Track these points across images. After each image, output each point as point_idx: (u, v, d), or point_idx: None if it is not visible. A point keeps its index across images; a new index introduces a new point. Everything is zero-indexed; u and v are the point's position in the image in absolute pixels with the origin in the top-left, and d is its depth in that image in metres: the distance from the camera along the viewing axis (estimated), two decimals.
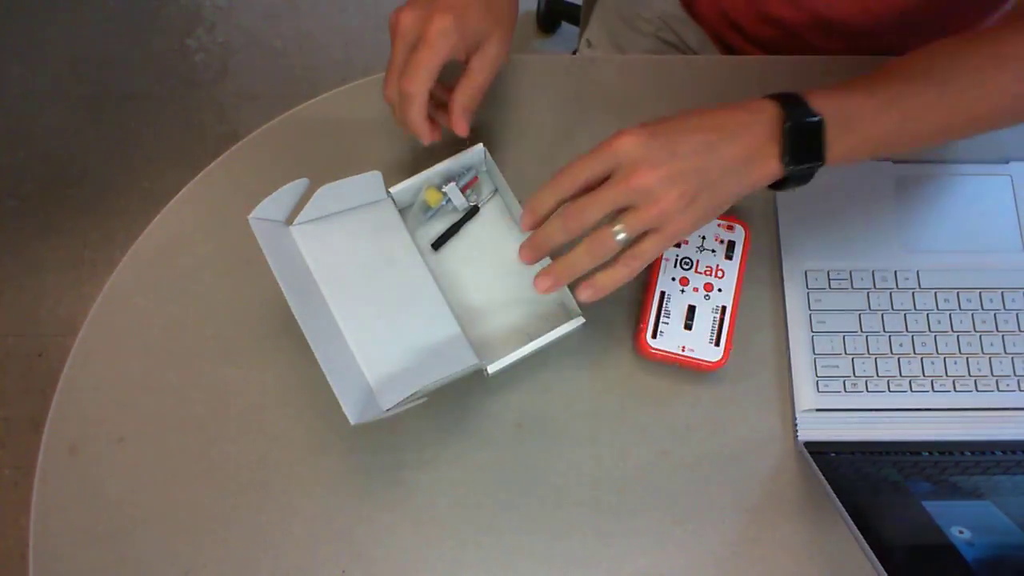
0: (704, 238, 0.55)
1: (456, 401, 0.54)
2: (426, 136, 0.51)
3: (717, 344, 0.52)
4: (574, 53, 0.97)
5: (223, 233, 0.58)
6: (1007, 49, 0.45)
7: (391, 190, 0.54)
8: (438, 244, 0.55)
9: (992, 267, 0.56)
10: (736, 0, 0.68)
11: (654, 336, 0.52)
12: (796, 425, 0.53)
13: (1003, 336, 0.54)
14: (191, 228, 0.58)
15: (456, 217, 0.56)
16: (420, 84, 0.48)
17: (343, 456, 0.53)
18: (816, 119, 0.43)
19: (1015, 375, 0.54)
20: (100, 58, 1.48)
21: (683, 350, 0.52)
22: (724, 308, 0.53)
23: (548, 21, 1.53)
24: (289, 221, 0.52)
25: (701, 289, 0.53)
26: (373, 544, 0.52)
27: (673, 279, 0.54)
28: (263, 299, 0.56)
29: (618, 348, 0.55)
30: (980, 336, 0.54)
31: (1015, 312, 0.55)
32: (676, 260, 0.54)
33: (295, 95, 1.46)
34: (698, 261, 0.54)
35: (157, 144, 1.43)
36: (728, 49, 0.73)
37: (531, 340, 0.50)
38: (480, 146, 0.53)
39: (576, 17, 1.47)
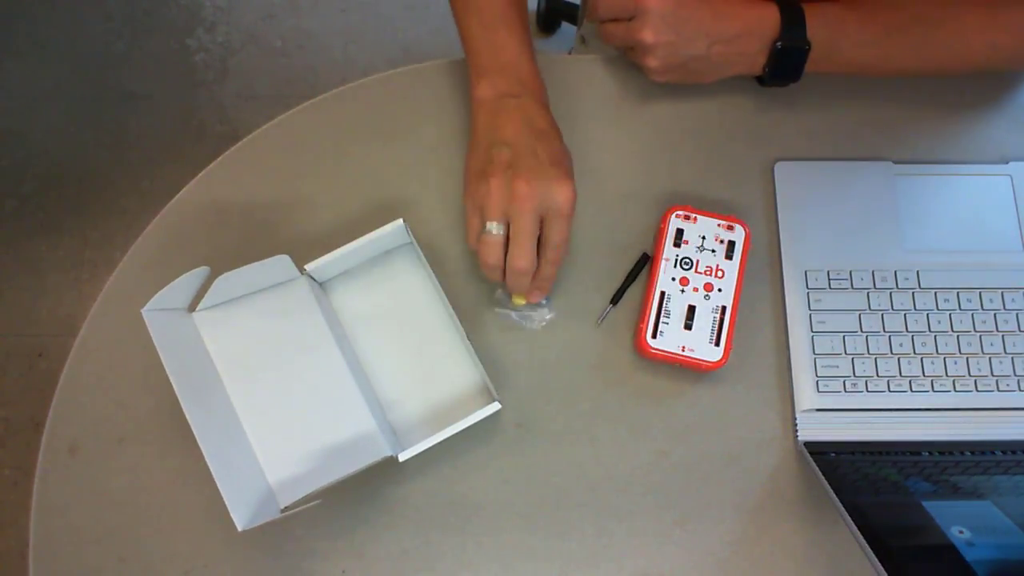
0: (704, 238, 0.55)
1: None
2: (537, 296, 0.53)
3: (717, 344, 0.52)
4: (570, 51, 0.97)
5: (223, 233, 0.58)
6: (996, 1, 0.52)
7: (308, 268, 0.51)
8: (616, 299, 0.56)
9: (992, 267, 0.56)
10: None
11: (654, 336, 0.52)
12: (796, 425, 0.53)
13: (1003, 336, 0.54)
14: (191, 228, 0.58)
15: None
16: (561, 258, 0.50)
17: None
18: (805, 47, 0.52)
19: (1015, 375, 0.54)
20: (100, 58, 1.48)
21: (683, 350, 0.52)
22: (724, 308, 0.53)
23: (548, 21, 1.53)
24: (191, 308, 0.50)
25: (701, 289, 0.53)
26: (373, 544, 0.52)
27: (673, 279, 0.54)
28: None
29: (618, 348, 0.55)
30: (980, 336, 0.54)
31: (1015, 312, 0.55)
32: (676, 260, 0.54)
33: (295, 95, 1.46)
34: (698, 261, 0.54)
35: (157, 144, 1.42)
36: None
37: (447, 425, 0.48)
38: (400, 221, 0.51)
39: (575, 17, 1.47)
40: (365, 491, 0.52)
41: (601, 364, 0.55)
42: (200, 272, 0.48)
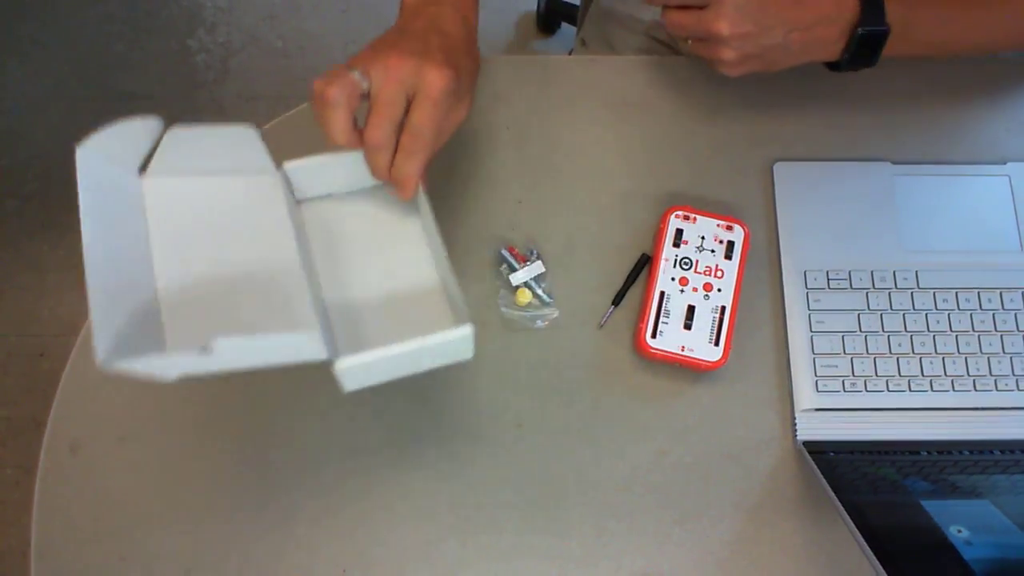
0: (703, 238, 0.55)
1: (456, 401, 0.54)
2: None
3: (717, 344, 0.52)
4: (570, 53, 0.97)
5: None
6: None
7: (286, 166, 0.45)
8: (618, 300, 0.56)
9: (991, 267, 0.56)
10: None
11: (653, 336, 0.53)
12: (795, 425, 0.53)
13: (1001, 336, 0.54)
14: None
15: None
16: (428, 150, 0.45)
17: (343, 457, 0.53)
18: (884, 29, 0.50)
19: (1013, 375, 0.54)
20: (100, 58, 1.48)
21: (683, 350, 0.52)
22: (724, 308, 0.53)
23: (548, 21, 1.53)
24: (141, 168, 0.43)
25: (700, 289, 0.53)
26: (373, 544, 0.52)
27: (672, 279, 0.54)
28: None
29: (618, 348, 0.55)
30: (978, 336, 0.54)
31: (1013, 312, 0.55)
32: (676, 260, 0.54)
33: (295, 95, 1.46)
34: (697, 261, 0.54)
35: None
36: None
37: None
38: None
39: (576, 18, 1.47)
40: (365, 490, 0.53)
41: (601, 364, 0.55)
42: (152, 123, 0.41)
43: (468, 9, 0.51)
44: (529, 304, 0.55)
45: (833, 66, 0.54)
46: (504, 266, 0.56)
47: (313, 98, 0.43)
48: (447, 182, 0.59)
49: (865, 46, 0.51)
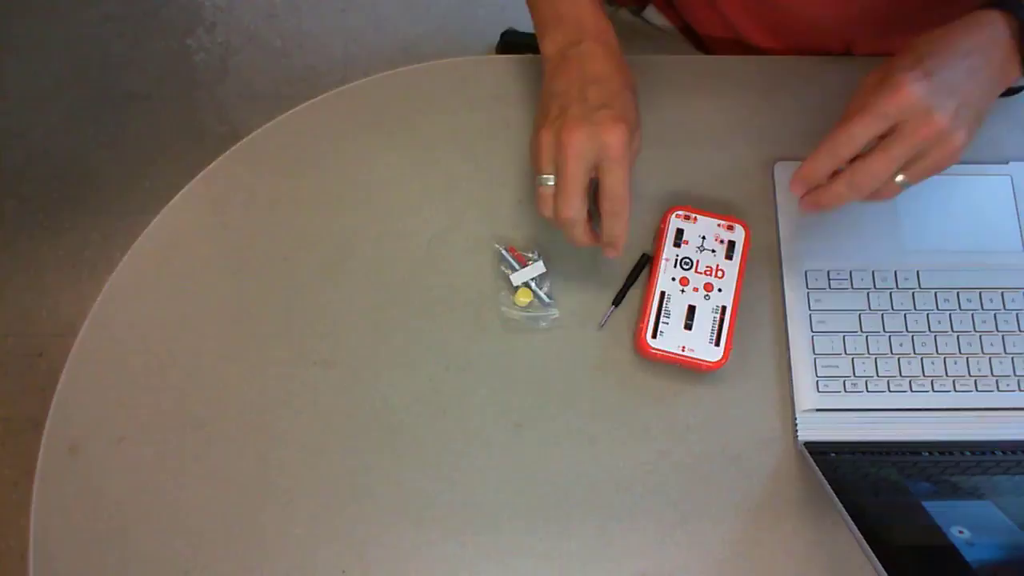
0: (704, 238, 0.55)
1: (456, 401, 0.54)
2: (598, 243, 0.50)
3: (717, 344, 0.52)
4: None
5: (223, 233, 0.58)
6: None
7: None
8: (618, 300, 0.55)
9: (992, 267, 0.56)
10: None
11: (654, 336, 0.52)
12: (796, 425, 0.53)
13: (1003, 336, 0.54)
14: (191, 228, 0.58)
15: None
16: (625, 202, 0.47)
17: (343, 456, 0.53)
18: None
19: (1015, 375, 0.54)
20: (100, 58, 1.48)
21: (683, 350, 0.52)
22: (724, 308, 0.53)
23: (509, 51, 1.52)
24: None
25: (701, 289, 0.53)
26: (373, 544, 0.52)
27: (673, 279, 0.54)
28: (263, 299, 0.56)
29: (618, 348, 0.55)
30: (980, 336, 0.54)
31: (1015, 312, 0.55)
32: (676, 260, 0.54)
33: (295, 95, 1.45)
34: (698, 261, 0.54)
35: (157, 144, 1.42)
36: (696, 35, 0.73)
37: None
38: None
39: None
40: (365, 490, 0.52)
41: (601, 364, 0.55)
42: None
43: (606, 32, 0.51)
44: (530, 304, 0.55)
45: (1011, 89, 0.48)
46: (504, 266, 0.56)
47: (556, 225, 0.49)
48: (448, 182, 0.59)
49: None
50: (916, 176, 0.45)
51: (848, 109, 0.46)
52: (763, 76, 0.62)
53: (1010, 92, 0.47)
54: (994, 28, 0.44)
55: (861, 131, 0.43)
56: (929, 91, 0.42)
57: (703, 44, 0.73)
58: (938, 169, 0.45)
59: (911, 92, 0.42)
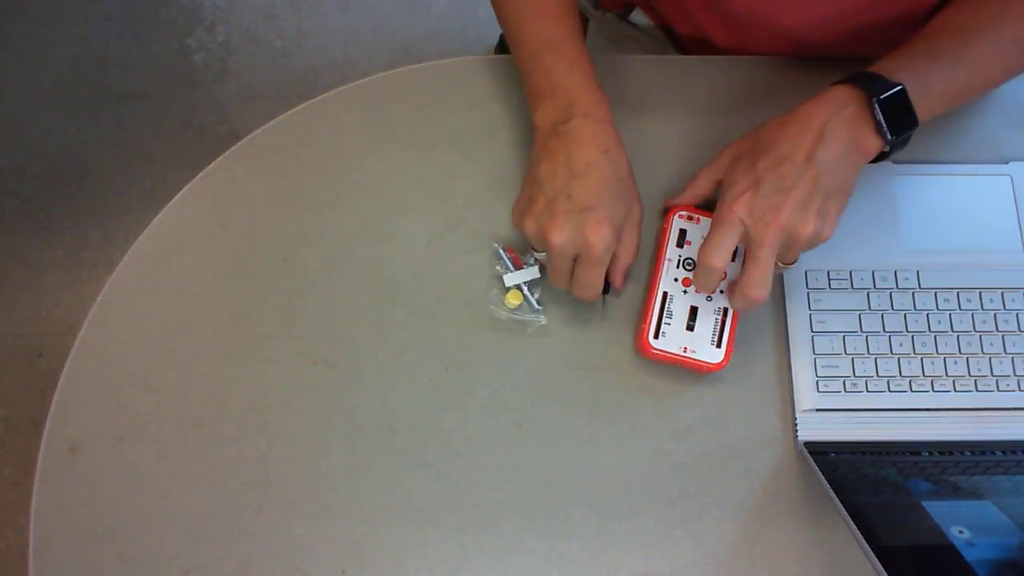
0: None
1: (456, 401, 0.54)
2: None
3: (719, 346, 0.52)
4: None
5: (223, 233, 0.58)
6: None
7: None
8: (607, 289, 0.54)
9: (992, 267, 0.56)
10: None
11: (656, 336, 0.52)
12: (796, 425, 0.53)
13: (1003, 336, 0.54)
14: (191, 228, 0.58)
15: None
16: (598, 290, 0.51)
17: (343, 456, 0.53)
18: (899, 87, 0.46)
19: (1015, 375, 0.54)
20: (100, 58, 1.48)
21: (685, 351, 0.52)
22: (726, 310, 0.53)
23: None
24: None
25: None
26: (373, 544, 0.52)
27: (676, 280, 0.54)
28: (263, 299, 0.56)
29: (618, 348, 0.55)
30: (980, 336, 0.54)
31: (1015, 312, 0.55)
32: (679, 261, 0.54)
33: (295, 95, 1.45)
34: None
35: (157, 144, 1.42)
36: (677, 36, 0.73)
37: None
38: None
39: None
40: (365, 490, 0.52)
41: (601, 364, 0.55)
42: None
43: (597, 106, 0.51)
44: (519, 307, 0.55)
45: (881, 155, 0.49)
46: (500, 266, 0.56)
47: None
48: (448, 182, 0.59)
49: (895, 114, 0.46)
50: (792, 258, 0.49)
51: (699, 172, 0.55)
52: (763, 76, 0.62)
53: (882, 157, 0.49)
54: (843, 104, 0.46)
55: (718, 254, 0.47)
56: (755, 203, 0.45)
57: (683, 45, 0.73)
58: (809, 247, 0.47)
59: (737, 211, 0.46)
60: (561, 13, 0.54)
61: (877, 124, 0.46)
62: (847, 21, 0.57)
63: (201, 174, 0.59)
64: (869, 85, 0.47)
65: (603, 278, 0.50)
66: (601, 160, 0.49)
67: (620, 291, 0.55)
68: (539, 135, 0.52)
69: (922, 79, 0.47)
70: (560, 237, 0.48)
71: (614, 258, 0.52)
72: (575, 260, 0.50)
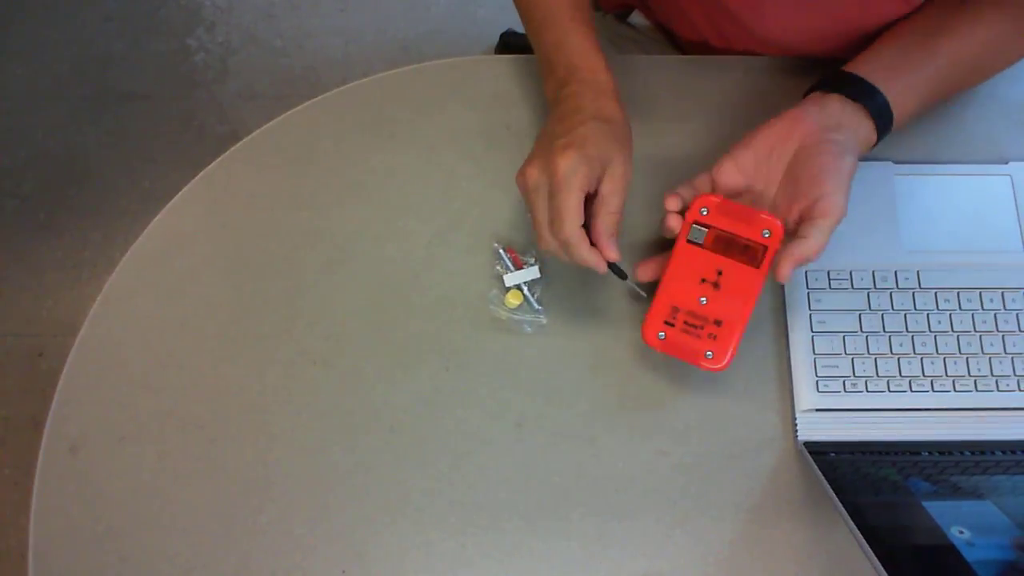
0: None
1: (456, 401, 0.54)
2: (602, 267, 0.49)
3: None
4: None
5: (223, 233, 0.58)
6: None
7: None
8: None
9: (992, 267, 0.56)
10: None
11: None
12: (796, 425, 0.53)
13: (1003, 336, 0.54)
14: (191, 228, 0.58)
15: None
16: (572, 227, 0.47)
17: (343, 456, 0.53)
18: (885, 100, 0.50)
19: (1015, 375, 0.54)
20: (100, 58, 1.48)
21: None
22: None
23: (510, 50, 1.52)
24: None
25: None
26: (373, 544, 0.52)
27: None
28: (263, 299, 0.56)
29: (619, 347, 0.55)
30: (980, 336, 0.54)
31: (1015, 312, 0.55)
32: None
33: (295, 95, 1.45)
34: None
35: (157, 144, 1.42)
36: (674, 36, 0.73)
37: None
38: None
39: None
40: (365, 490, 0.52)
41: (601, 364, 0.55)
42: None
43: (595, 69, 0.52)
44: (519, 307, 0.55)
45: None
46: (500, 265, 0.56)
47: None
48: (448, 182, 0.59)
49: (886, 127, 0.51)
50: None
51: (722, 161, 0.52)
52: (762, 76, 0.62)
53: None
54: (860, 127, 0.50)
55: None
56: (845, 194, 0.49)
57: (681, 46, 0.73)
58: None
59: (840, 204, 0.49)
60: None
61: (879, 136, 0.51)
62: (837, 32, 0.57)
63: (201, 174, 0.59)
64: (870, 102, 0.50)
65: (578, 217, 0.47)
66: (587, 105, 0.50)
67: (615, 259, 0.49)
68: (549, 106, 0.54)
69: (901, 87, 0.50)
70: (532, 169, 0.48)
71: (593, 217, 0.49)
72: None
